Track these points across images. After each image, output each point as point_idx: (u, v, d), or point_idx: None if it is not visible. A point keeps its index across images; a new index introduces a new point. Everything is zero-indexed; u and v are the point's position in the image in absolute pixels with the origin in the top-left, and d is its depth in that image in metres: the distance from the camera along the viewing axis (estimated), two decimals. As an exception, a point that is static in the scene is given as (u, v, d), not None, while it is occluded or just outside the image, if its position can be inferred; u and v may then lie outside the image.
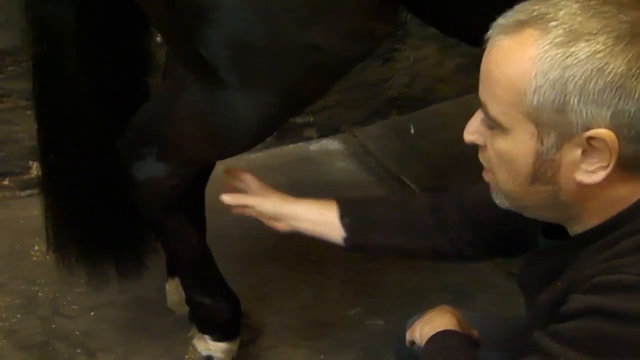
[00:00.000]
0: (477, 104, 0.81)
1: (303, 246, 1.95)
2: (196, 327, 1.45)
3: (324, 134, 2.40)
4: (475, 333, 1.04)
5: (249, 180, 1.21)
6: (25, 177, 1.95)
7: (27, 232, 1.83)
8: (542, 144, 0.75)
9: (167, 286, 1.55)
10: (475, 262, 1.21)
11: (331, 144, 2.38)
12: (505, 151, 0.78)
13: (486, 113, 0.79)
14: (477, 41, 0.79)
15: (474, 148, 0.85)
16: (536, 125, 0.75)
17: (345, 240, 1.16)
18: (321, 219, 1.16)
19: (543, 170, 0.77)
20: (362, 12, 0.96)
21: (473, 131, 0.83)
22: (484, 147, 0.82)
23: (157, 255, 1.42)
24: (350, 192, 2.20)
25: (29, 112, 1.87)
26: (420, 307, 1.70)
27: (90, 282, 1.37)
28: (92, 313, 1.67)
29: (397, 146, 2.39)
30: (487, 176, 0.86)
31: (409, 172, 2.26)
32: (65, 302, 1.69)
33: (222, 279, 1.40)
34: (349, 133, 2.43)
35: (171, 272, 1.53)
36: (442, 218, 1.11)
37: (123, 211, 1.29)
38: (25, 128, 1.88)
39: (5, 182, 1.94)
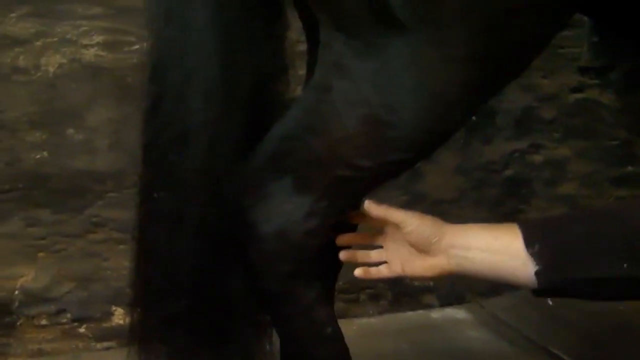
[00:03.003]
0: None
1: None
2: None
3: (446, 302, 2.07)
4: None
5: (389, 214, 0.93)
6: (105, 325, 1.65)
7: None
8: None
9: None
10: None
11: (457, 312, 2.03)
12: None
13: None
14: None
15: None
16: None
17: (538, 275, 0.83)
18: (498, 246, 0.85)
19: None
20: None
21: None
22: None
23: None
24: (490, 362, 1.79)
25: (121, 246, 1.67)
26: None
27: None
28: None
29: (535, 317, 2.00)
30: None
31: (558, 342, 1.85)
32: None
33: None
34: (474, 303, 2.08)
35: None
36: None
37: (234, 290, 0.99)
38: (114, 264, 1.65)
39: (82, 330, 1.64)
